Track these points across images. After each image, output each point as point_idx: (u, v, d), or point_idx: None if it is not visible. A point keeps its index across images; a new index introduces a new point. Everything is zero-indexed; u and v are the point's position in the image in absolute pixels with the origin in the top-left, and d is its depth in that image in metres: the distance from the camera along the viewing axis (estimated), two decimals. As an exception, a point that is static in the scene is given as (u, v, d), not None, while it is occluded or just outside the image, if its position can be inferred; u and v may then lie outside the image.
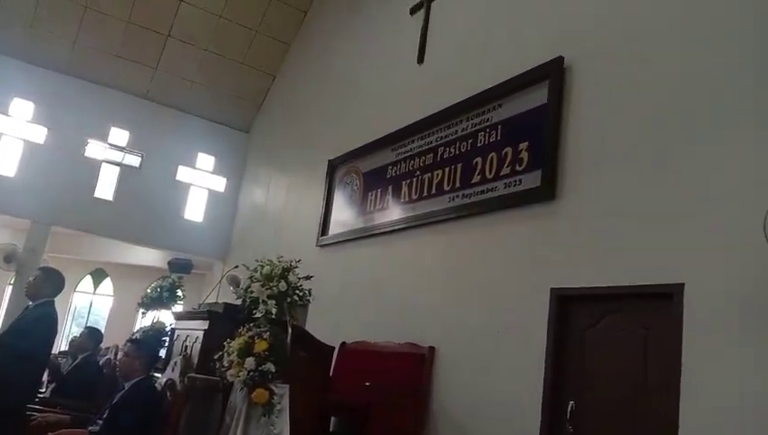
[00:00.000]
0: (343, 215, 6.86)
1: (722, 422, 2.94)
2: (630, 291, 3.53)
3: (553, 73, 4.39)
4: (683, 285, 3.26)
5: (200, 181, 10.36)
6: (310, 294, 3.58)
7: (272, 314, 3.40)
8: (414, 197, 5.73)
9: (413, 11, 6.49)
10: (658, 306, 3.39)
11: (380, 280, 5.81)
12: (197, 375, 3.74)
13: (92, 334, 5.74)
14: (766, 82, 3.16)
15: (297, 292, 3.47)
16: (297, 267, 3.63)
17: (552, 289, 4.03)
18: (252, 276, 3.51)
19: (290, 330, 3.45)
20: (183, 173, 10.21)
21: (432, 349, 4.86)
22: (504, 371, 4.22)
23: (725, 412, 2.94)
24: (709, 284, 3.16)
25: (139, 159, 9.91)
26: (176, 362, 4.11)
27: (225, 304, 4.25)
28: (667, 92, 3.66)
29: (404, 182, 5.93)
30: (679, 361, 3.19)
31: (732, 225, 3.09)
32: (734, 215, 3.08)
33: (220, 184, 10.50)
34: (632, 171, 3.73)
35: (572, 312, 3.94)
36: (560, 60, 4.37)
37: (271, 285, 3.41)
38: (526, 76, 4.64)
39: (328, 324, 6.14)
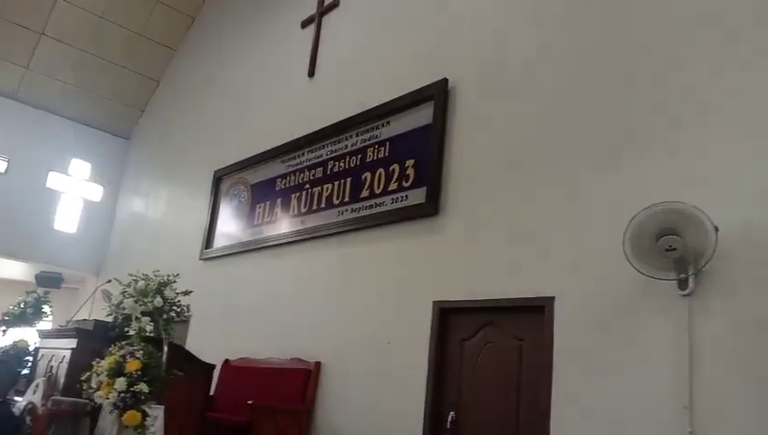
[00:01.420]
0: (229, 227, 6.68)
1: (590, 425, 3.13)
2: (506, 304, 3.71)
3: (438, 94, 4.55)
4: (553, 298, 3.46)
5: (74, 189, 9.68)
6: (188, 310, 3.44)
7: (146, 331, 3.24)
8: (303, 210, 5.69)
9: (304, 24, 6.48)
10: (531, 318, 3.57)
11: (267, 294, 5.70)
12: (63, 398, 3.49)
13: None
14: (630, 108, 3.44)
15: (174, 308, 3.32)
16: (175, 282, 3.48)
17: (434, 302, 4.14)
18: (125, 291, 3.33)
19: (165, 348, 3.30)
20: (54, 180, 9.49)
21: (318, 364, 4.82)
22: (389, 384, 4.27)
23: (593, 414, 3.13)
24: (576, 296, 3.37)
25: (5, 163, 9.12)
26: (38, 384, 3.80)
27: (96, 321, 4.00)
28: (539, 117, 3.89)
29: (293, 195, 5.88)
30: (550, 369, 3.38)
31: (596, 242, 3.32)
32: (598, 233, 3.31)
33: (96, 193, 9.86)
34: (509, 190, 3.93)
35: (453, 324, 4.06)
36: (444, 81, 4.54)
37: (145, 300, 3.25)
38: (413, 96, 4.77)
39: (211, 341, 5.95)
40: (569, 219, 3.55)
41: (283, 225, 5.86)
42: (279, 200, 6.05)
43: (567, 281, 3.44)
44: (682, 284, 2.82)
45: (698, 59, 3.21)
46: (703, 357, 2.77)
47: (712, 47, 3.17)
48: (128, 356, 3.19)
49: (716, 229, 2.67)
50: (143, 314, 3.24)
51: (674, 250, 2.72)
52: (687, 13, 3.33)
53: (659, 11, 3.46)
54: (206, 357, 4.83)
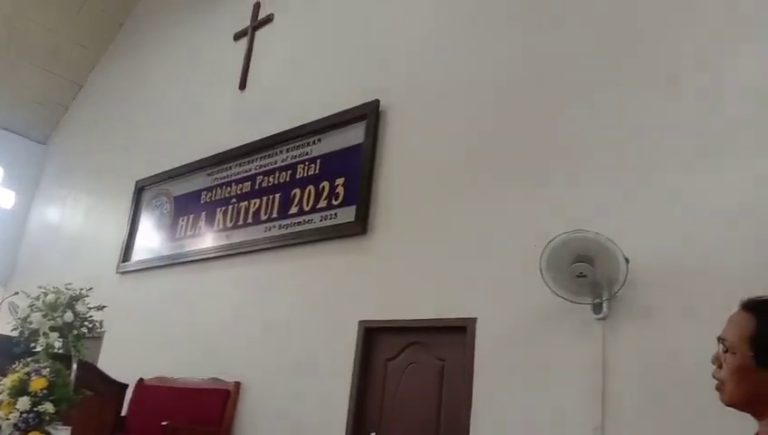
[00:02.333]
0: (150, 240, 6.44)
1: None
2: (429, 324, 3.74)
3: (370, 114, 4.58)
4: (475, 319, 3.52)
5: (-19, 195, 9.08)
6: (101, 326, 3.27)
7: (54, 347, 3.06)
8: (229, 224, 5.56)
9: (237, 37, 6.40)
10: (453, 339, 3.62)
11: (188, 311, 5.52)
12: (-45, 419, 3.22)
13: None
14: (554, 133, 3.57)
15: (86, 323, 3.15)
16: (88, 296, 3.31)
17: (359, 321, 4.13)
18: (32, 305, 3.13)
19: (75, 365, 3.12)
20: (-41, 184, 8.90)
21: (238, 384, 4.69)
22: (313, 404, 4.20)
23: (510, 430, 3.19)
24: (498, 317, 3.45)
25: None
26: (-71, 405, 3.50)
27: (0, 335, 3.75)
28: (467, 141, 3.99)
29: (219, 209, 5.74)
30: (471, 389, 3.42)
31: (518, 264, 3.40)
32: (520, 255, 3.39)
33: (7, 199, 9.30)
34: (435, 211, 3.99)
35: (377, 344, 4.06)
36: (376, 102, 4.58)
37: (55, 315, 3.07)
38: (345, 115, 4.79)
39: (126, 359, 5.69)
40: (493, 241, 3.63)
41: (207, 239, 5.71)
42: (203, 214, 5.89)
43: (489, 302, 3.51)
44: (597, 308, 2.94)
45: (618, 85, 3.38)
46: (615, 380, 2.89)
47: (630, 75, 3.35)
48: (33, 374, 3.00)
49: (627, 261, 2.80)
50: (52, 329, 3.05)
51: (584, 277, 2.83)
52: (606, 41, 3.50)
53: (582, 39, 3.63)
54: (119, 375, 4.62)
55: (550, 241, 2.92)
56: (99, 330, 3.31)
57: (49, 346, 3.05)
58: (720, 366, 1.47)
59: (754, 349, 1.39)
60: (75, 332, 3.15)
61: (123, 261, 6.58)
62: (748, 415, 1.51)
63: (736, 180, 2.82)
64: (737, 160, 2.85)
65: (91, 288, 3.41)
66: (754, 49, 2.98)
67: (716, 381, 1.49)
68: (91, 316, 3.26)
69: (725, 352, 1.45)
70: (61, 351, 3.25)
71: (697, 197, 2.91)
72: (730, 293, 2.59)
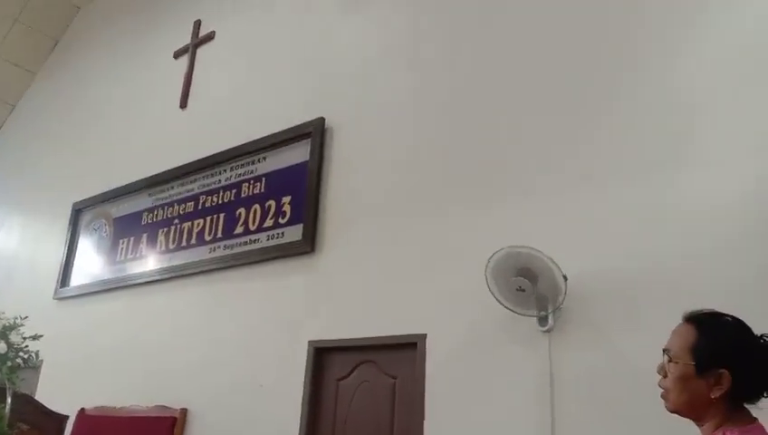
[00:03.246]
0: (89, 264, 6.21)
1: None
2: (380, 341, 3.73)
3: (315, 132, 4.57)
4: (425, 335, 3.54)
5: None
6: (37, 357, 3.13)
7: (-14, 381, 2.90)
8: (171, 246, 5.43)
9: (177, 55, 6.30)
10: (404, 356, 3.62)
11: (130, 336, 5.33)
12: None
13: None
14: (499, 152, 3.65)
15: (21, 354, 3.01)
16: (23, 325, 3.16)
17: (309, 341, 4.08)
18: (-38, 337, 2.97)
19: (9, 399, 2.97)
20: None
21: (184, 411, 4.55)
22: (261, 427, 4.11)
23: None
24: (447, 332, 3.47)
25: None
26: None
27: (-75, 371, 3.53)
28: (413, 158, 4.03)
29: (161, 230, 5.60)
30: (423, 405, 3.43)
31: (465, 279, 3.43)
32: (468, 270, 3.42)
33: (-67, 224, 8.81)
34: (383, 228, 4.00)
35: (328, 363, 4.02)
36: (321, 120, 4.58)
37: (-14, 347, 2.92)
38: (290, 132, 4.76)
39: (66, 388, 5.45)
40: (441, 257, 3.66)
41: (149, 262, 5.55)
42: (145, 236, 5.73)
43: (438, 317, 3.53)
44: (542, 320, 3.00)
45: (562, 100, 3.48)
46: (563, 391, 2.94)
47: (572, 89, 3.46)
48: (-38, 410, 2.84)
49: (565, 278, 2.88)
50: (-17, 362, 2.90)
51: (523, 291, 2.90)
52: (560, 54, 3.59)
53: (528, 57, 3.72)
54: (59, 406, 4.42)
55: (491, 256, 2.96)
56: (35, 360, 3.15)
57: (-20, 380, 2.90)
58: (665, 376, 1.55)
59: (696, 358, 1.48)
60: (9, 363, 2.99)
61: (61, 286, 6.32)
62: (690, 422, 1.58)
63: (681, 190, 2.92)
64: (682, 170, 2.95)
65: (26, 317, 3.27)
66: (691, 55, 3.12)
67: (662, 390, 1.56)
68: (26, 346, 3.11)
69: (669, 361, 1.52)
70: (-7, 384, 3.08)
71: (643, 207, 2.99)
72: (674, 303, 2.70)
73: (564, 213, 3.24)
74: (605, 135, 3.25)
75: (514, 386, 3.11)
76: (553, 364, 3.00)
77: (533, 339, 3.08)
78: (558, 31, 3.65)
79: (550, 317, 2.98)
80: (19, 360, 3.02)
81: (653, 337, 2.70)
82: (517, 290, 2.90)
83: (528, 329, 3.09)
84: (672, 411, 1.57)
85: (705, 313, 1.60)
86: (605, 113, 3.29)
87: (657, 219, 2.94)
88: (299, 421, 3.91)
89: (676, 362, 1.53)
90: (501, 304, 3.01)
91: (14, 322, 3.13)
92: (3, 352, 2.92)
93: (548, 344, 3.02)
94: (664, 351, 1.60)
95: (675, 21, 3.21)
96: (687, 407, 1.53)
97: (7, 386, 2.99)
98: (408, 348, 3.60)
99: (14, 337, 3.03)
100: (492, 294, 3.01)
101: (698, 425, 1.55)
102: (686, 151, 2.96)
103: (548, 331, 3.02)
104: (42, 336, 3.22)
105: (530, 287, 2.87)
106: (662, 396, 1.59)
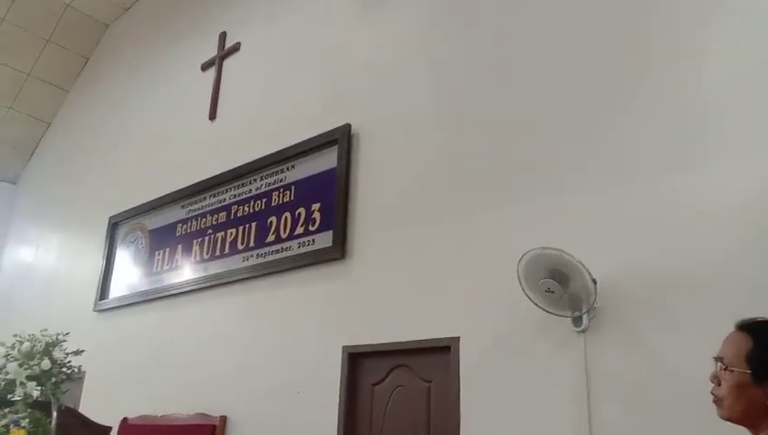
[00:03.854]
0: (126, 276, 6.36)
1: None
2: (413, 346, 3.73)
3: (342, 139, 4.60)
4: (459, 338, 3.53)
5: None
6: (79, 371, 3.21)
7: (32, 396, 2.99)
8: (206, 256, 5.52)
9: (204, 67, 6.40)
10: (438, 359, 3.62)
11: (169, 346, 5.44)
12: (-68, 477, 3.13)
13: None
14: (530, 150, 3.62)
15: (64, 370, 3.09)
16: (65, 341, 3.25)
17: (343, 347, 4.11)
18: (8, 355, 3.06)
19: (55, 414, 3.06)
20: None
21: (224, 418, 4.62)
22: (299, 433, 4.15)
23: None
24: (481, 335, 3.45)
25: None
26: None
27: (-26, 387, 3.65)
28: (440, 160, 4.01)
29: (195, 241, 5.69)
30: (458, 408, 3.42)
31: (498, 281, 3.41)
32: (500, 272, 3.39)
33: (-22, 242, 9.13)
34: (412, 234, 4.00)
35: (362, 368, 4.04)
36: (347, 126, 4.60)
37: (31, 363, 3.00)
38: (317, 140, 4.79)
39: (108, 398, 5.59)
40: (472, 259, 3.65)
41: (185, 272, 5.65)
42: (180, 247, 5.84)
43: (472, 320, 3.52)
44: (576, 321, 2.96)
45: (586, 96, 3.44)
46: (600, 392, 2.91)
47: (597, 84, 3.41)
48: (11, 425, 2.93)
49: (594, 282, 2.84)
50: (29, 378, 2.98)
51: (552, 292, 2.86)
52: (579, 59, 3.56)
53: (551, 56, 3.68)
54: (102, 416, 4.51)
55: (521, 257, 2.94)
56: (77, 375, 3.24)
57: (27, 396, 2.98)
58: (719, 384, 1.57)
59: (752, 366, 1.51)
60: (53, 379, 3.08)
61: (100, 299, 6.47)
62: (734, 426, 1.56)
63: (713, 187, 2.85)
64: (713, 166, 2.88)
65: (67, 333, 3.35)
66: (715, 55, 3.06)
67: (714, 397, 1.58)
68: (69, 362, 3.20)
69: (725, 369, 1.54)
70: (40, 399, 3.17)
71: (675, 205, 2.94)
72: (708, 301, 2.68)
73: (595, 212, 3.19)
74: (635, 132, 3.19)
75: (550, 387, 3.08)
76: (589, 364, 2.96)
77: (568, 340, 3.05)
78: (578, 30, 3.59)
79: (584, 317, 2.95)
80: (63, 376, 3.11)
81: (688, 336, 2.69)
82: (546, 292, 2.87)
83: (563, 330, 3.06)
84: (726, 419, 1.58)
85: (759, 321, 1.61)
86: (633, 110, 3.23)
87: (688, 217, 2.87)
88: (336, 427, 3.94)
89: (732, 371, 1.54)
90: (535, 304, 2.97)
91: (57, 338, 3.21)
92: (47, 368, 3.00)
93: (583, 345, 2.98)
94: (716, 359, 1.61)
95: (692, 20, 3.15)
96: (743, 415, 1.55)
97: (52, 401, 3.08)
98: (442, 351, 3.59)
99: (57, 353, 3.11)
100: (526, 294, 2.98)
101: (753, 433, 1.55)
102: (719, 147, 2.88)
103: (583, 331, 2.98)
104: (84, 351, 3.30)
105: (558, 289, 2.84)
106: (715, 403, 1.60)
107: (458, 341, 3.53)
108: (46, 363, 3.03)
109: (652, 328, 2.83)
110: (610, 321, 2.96)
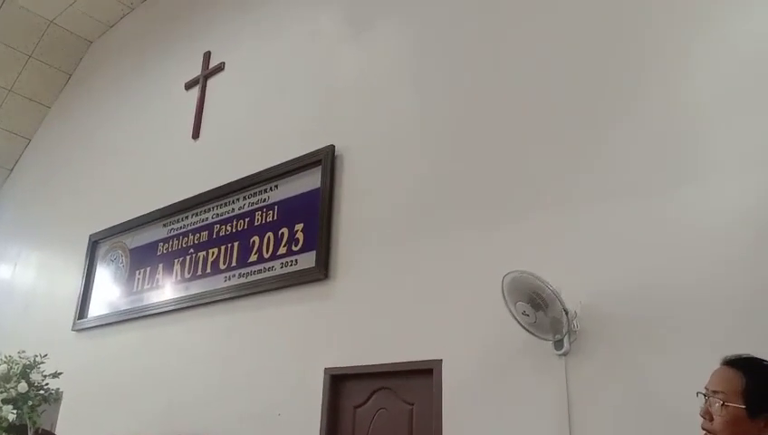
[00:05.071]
0: (106, 295, 6.27)
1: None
2: (396, 368, 3.72)
3: (325, 159, 4.61)
4: (441, 360, 3.53)
5: (-74, 256, 8.72)
6: (57, 394, 3.17)
7: (8, 420, 2.94)
8: (187, 275, 5.48)
9: (188, 86, 6.40)
10: (421, 382, 3.61)
11: (149, 366, 5.36)
12: None
13: None
14: (508, 174, 3.66)
15: (41, 393, 3.04)
16: (43, 363, 3.21)
17: (325, 369, 4.09)
18: (-16, 378, 3.02)
19: (31, 438, 3.01)
20: None
21: (203, 440, 4.57)
22: (279, 456, 4.12)
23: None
24: (463, 357, 3.46)
25: None
26: None
27: (-52, 410, 3.57)
28: (423, 183, 4.04)
29: (176, 260, 5.65)
30: (440, 431, 3.41)
31: (480, 304, 3.43)
32: (482, 295, 3.42)
33: (-46, 259, 8.95)
34: (395, 256, 4.01)
35: (344, 391, 4.02)
36: (331, 147, 4.62)
37: (8, 386, 2.96)
38: (301, 160, 4.80)
39: (86, 421, 5.49)
40: (454, 281, 3.66)
41: (166, 292, 5.60)
42: (161, 266, 5.79)
43: (454, 342, 3.52)
44: (557, 344, 2.98)
45: (571, 115, 3.49)
46: (581, 416, 2.92)
47: (582, 103, 3.47)
48: (-15, 451, 2.87)
49: (566, 312, 2.88)
50: (4, 401, 2.94)
51: (527, 316, 2.89)
52: (563, 82, 3.61)
53: (537, 80, 3.73)
54: (78, 441, 4.45)
55: (502, 279, 2.95)
56: (55, 398, 3.19)
57: (2, 419, 2.93)
58: (711, 419, 1.63)
59: (747, 402, 1.60)
60: (30, 402, 3.03)
61: (79, 318, 6.38)
62: None
63: (697, 206, 2.89)
64: (698, 186, 2.91)
65: (45, 355, 3.31)
66: (702, 64, 3.13)
67: (704, 432, 1.64)
68: (46, 384, 3.15)
69: (723, 405, 1.61)
70: (15, 422, 3.12)
71: (658, 226, 2.97)
72: (695, 324, 2.71)
73: (577, 233, 3.22)
74: (618, 153, 3.22)
75: (532, 410, 3.09)
76: (570, 388, 2.98)
77: (550, 363, 3.06)
78: (564, 49, 3.66)
79: (565, 341, 2.97)
80: (40, 398, 3.06)
81: (671, 359, 2.72)
82: (522, 314, 2.89)
83: (544, 353, 3.08)
84: None
85: (746, 357, 1.70)
86: (617, 130, 3.26)
87: (672, 236, 2.90)
88: (317, 450, 3.91)
89: (727, 406, 1.59)
90: (519, 323, 2.97)
91: (35, 360, 3.17)
92: (24, 391, 2.96)
93: (564, 369, 3.00)
94: (706, 393, 1.68)
95: (682, 34, 3.22)
96: None
97: (29, 425, 3.03)
98: (425, 374, 3.59)
99: (34, 375, 3.07)
100: (510, 313, 2.98)
101: None
102: (704, 167, 2.91)
103: (564, 354, 3.00)
104: (61, 374, 3.26)
105: (533, 313, 2.87)
106: None
107: (441, 363, 3.53)
108: (23, 386, 2.99)
109: (635, 351, 2.86)
110: (592, 344, 2.98)
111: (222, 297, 5.01)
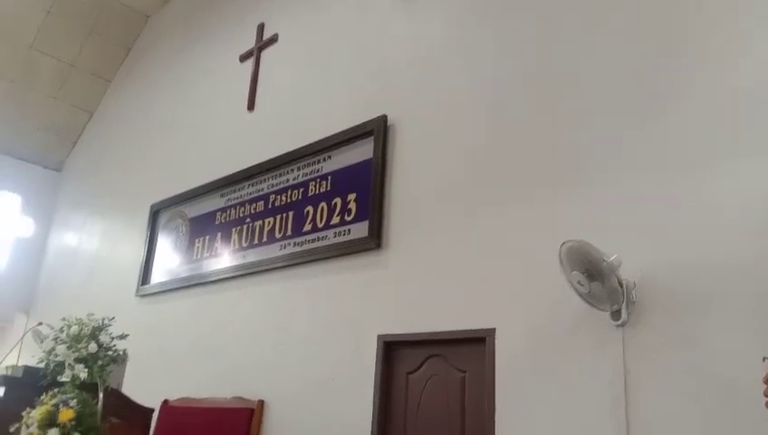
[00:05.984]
0: (167, 262, 6.51)
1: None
2: (448, 336, 3.75)
3: (378, 130, 4.62)
4: (494, 329, 3.53)
5: (2, 224, 9.20)
6: (124, 355, 3.32)
7: (80, 378, 3.11)
8: (244, 244, 5.62)
9: (243, 58, 6.48)
10: (473, 350, 3.63)
11: (208, 331, 5.57)
12: (-13, 453, 3.29)
13: None
14: (568, 140, 3.59)
15: (109, 353, 3.20)
16: (110, 325, 3.37)
17: (378, 336, 4.15)
18: (56, 337, 3.19)
19: (101, 395, 3.18)
20: (-23, 215, 9.02)
21: (261, 402, 4.73)
22: (334, 420, 4.22)
23: (532, 447, 3.20)
24: (517, 327, 3.45)
25: None
26: (-40, 439, 3.57)
27: (26, 367, 3.82)
28: (476, 151, 4.01)
29: (234, 229, 5.80)
30: (493, 398, 3.43)
31: (535, 273, 3.41)
32: (537, 264, 3.41)
33: (27, 228, 9.42)
34: (449, 222, 4.01)
35: (397, 358, 4.08)
36: (383, 117, 4.62)
37: (79, 346, 3.12)
38: (353, 131, 4.82)
39: (150, 381, 5.76)
40: (508, 251, 3.64)
41: (224, 260, 5.77)
42: (219, 235, 5.96)
43: (508, 312, 3.52)
44: (615, 315, 2.94)
45: (627, 90, 3.39)
46: (638, 388, 2.88)
47: (638, 79, 3.36)
48: (61, 405, 3.06)
49: (621, 284, 2.84)
50: (77, 360, 3.11)
51: (581, 285, 2.84)
52: (611, 59, 3.51)
53: (584, 57, 3.64)
54: (144, 398, 4.68)
55: (559, 249, 2.92)
56: (122, 359, 3.36)
57: (75, 377, 3.11)
58: None
59: None
60: (100, 362, 3.20)
61: (142, 284, 6.65)
62: None
63: (756, 180, 2.80)
64: (758, 159, 2.82)
65: (113, 317, 3.47)
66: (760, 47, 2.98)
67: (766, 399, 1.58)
68: (114, 345, 3.32)
69: None
70: (87, 380, 3.29)
71: (717, 198, 2.88)
72: (750, 294, 2.62)
73: (636, 204, 3.15)
74: (677, 124, 3.13)
75: (587, 381, 3.07)
76: (627, 359, 2.94)
77: (606, 334, 3.03)
78: (625, 20, 3.53)
79: (623, 311, 2.92)
80: (108, 358, 3.23)
81: (729, 330, 2.65)
82: (578, 283, 2.85)
83: (600, 323, 3.04)
84: None
85: None
86: (676, 101, 3.17)
87: (731, 210, 2.81)
88: (371, 414, 3.99)
89: None
90: (579, 295, 2.94)
91: (103, 322, 3.34)
92: (94, 351, 3.12)
93: (621, 340, 2.96)
94: None
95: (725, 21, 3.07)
96: None
97: (99, 383, 3.20)
98: (477, 342, 3.61)
99: (103, 337, 3.24)
100: (571, 285, 2.94)
101: None
102: (764, 143, 2.82)
103: (621, 325, 2.95)
104: (128, 335, 3.42)
105: (587, 283, 2.82)
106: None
107: (494, 332, 3.54)
108: (93, 347, 3.15)
109: (693, 322, 2.79)
110: (651, 315, 2.92)
111: (277, 265, 5.12)
